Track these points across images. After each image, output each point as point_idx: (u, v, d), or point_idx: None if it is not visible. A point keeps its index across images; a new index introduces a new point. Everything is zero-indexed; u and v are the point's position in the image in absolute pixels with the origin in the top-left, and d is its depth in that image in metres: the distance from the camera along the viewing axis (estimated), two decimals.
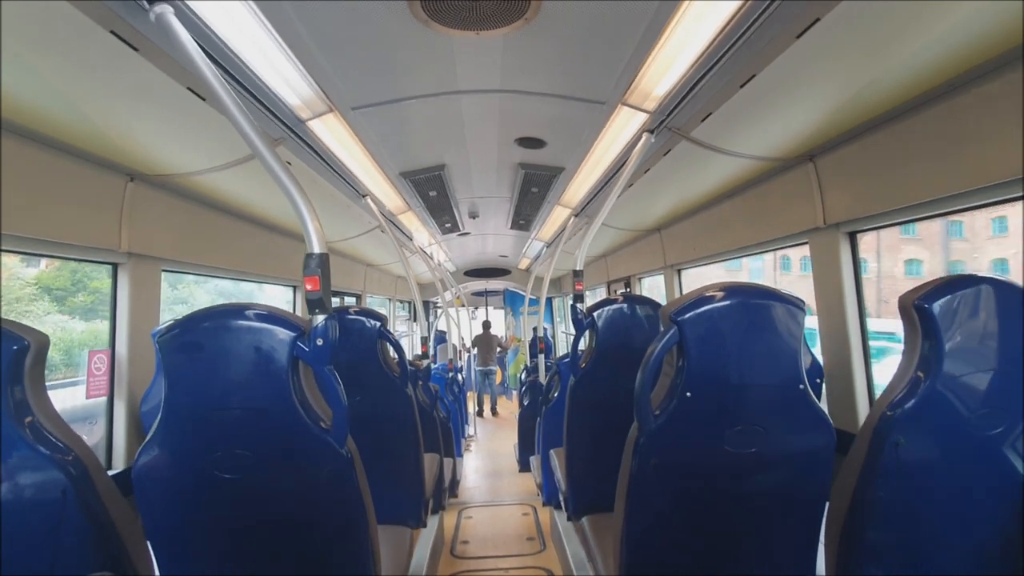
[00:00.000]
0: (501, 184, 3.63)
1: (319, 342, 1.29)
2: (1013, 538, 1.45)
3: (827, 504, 1.54)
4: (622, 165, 2.58)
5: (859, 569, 1.48)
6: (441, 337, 9.08)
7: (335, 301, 4.96)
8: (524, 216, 4.49)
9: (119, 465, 2.05)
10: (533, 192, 3.67)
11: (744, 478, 1.47)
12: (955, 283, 1.40)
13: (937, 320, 1.36)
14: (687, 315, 1.38)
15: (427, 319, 9.23)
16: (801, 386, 1.42)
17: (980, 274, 1.43)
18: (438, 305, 9.29)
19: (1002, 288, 1.40)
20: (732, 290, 1.42)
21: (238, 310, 1.33)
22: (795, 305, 1.42)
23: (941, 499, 1.43)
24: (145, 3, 1.21)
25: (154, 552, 1.41)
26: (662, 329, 1.44)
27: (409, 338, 8.28)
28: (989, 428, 1.39)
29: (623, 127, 2.32)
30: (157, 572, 1.42)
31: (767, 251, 2.88)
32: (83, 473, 1.24)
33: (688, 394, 1.39)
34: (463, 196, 3.92)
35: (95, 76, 1.44)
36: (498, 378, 10.04)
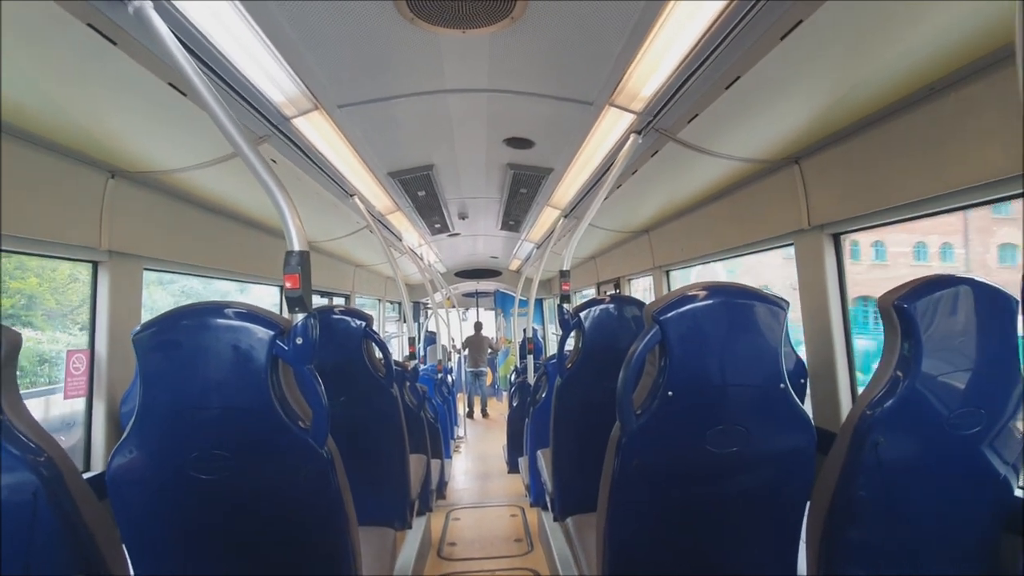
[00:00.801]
0: (490, 184, 3.63)
1: (299, 341, 1.27)
2: (991, 535, 1.47)
3: (808, 503, 1.55)
4: (610, 166, 2.59)
5: (840, 568, 1.49)
6: (431, 338, 9.05)
7: (324, 302, 4.92)
8: (514, 217, 4.49)
9: (99, 467, 2.02)
10: (522, 193, 3.67)
11: (725, 477, 1.47)
12: (934, 284, 1.41)
13: (916, 320, 1.38)
14: (669, 314, 1.38)
15: (416, 320, 9.19)
16: (782, 385, 1.42)
17: (959, 275, 1.45)
18: (429, 306, 9.26)
19: (980, 289, 1.42)
20: (715, 290, 1.42)
21: (217, 308, 1.31)
22: (777, 305, 1.43)
23: (920, 497, 1.44)
24: None
25: (130, 556, 1.38)
26: (645, 328, 1.44)
27: (399, 339, 8.24)
28: (967, 427, 1.40)
29: (611, 128, 2.33)
30: None
31: (754, 252, 2.90)
32: (56, 475, 1.21)
33: (670, 394, 1.39)
34: (452, 196, 3.90)
35: (72, 69, 1.42)
36: (488, 379, 10.02)
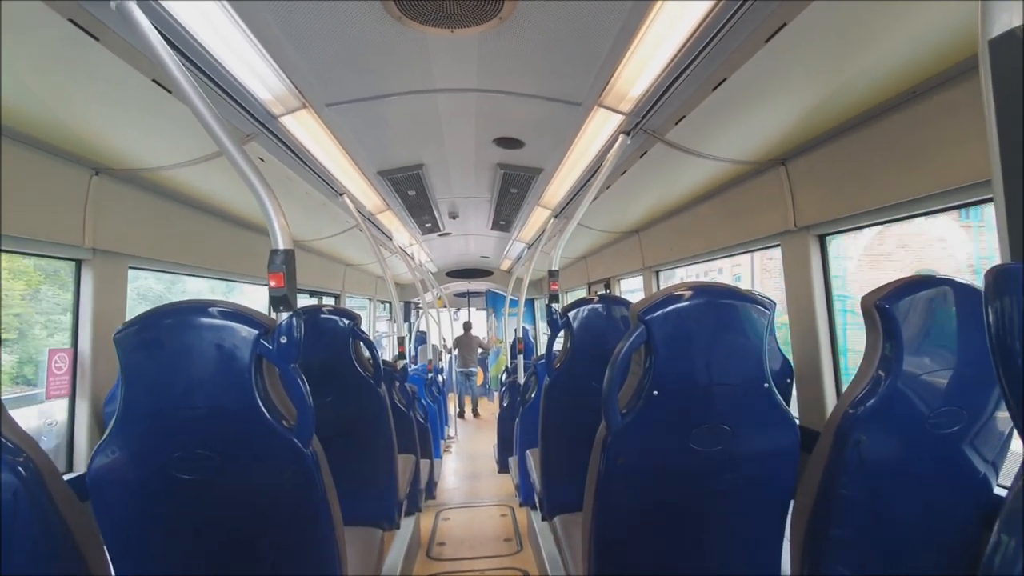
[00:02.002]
0: (480, 184, 3.62)
1: (283, 340, 1.27)
2: (971, 532, 1.49)
3: (792, 502, 1.56)
4: (599, 166, 2.60)
5: (823, 566, 1.50)
6: (422, 338, 9.02)
7: (313, 302, 4.89)
8: (505, 217, 4.49)
9: (82, 469, 1.99)
10: (512, 193, 3.67)
11: (710, 476, 1.48)
12: (915, 284, 1.44)
13: (898, 320, 1.40)
14: (655, 314, 1.39)
15: (406, 320, 9.15)
16: (766, 385, 1.44)
17: (940, 276, 1.48)
18: (420, 306, 9.23)
19: (960, 290, 1.44)
20: (700, 290, 1.43)
21: (200, 307, 1.30)
22: (762, 305, 1.44)
23: (902, 495, 1.46)
24: None
25: (112, 557, 1.36)
26: (631, 328, 1.45)
27: (390, 339, 8.20)
28: (947, 426, 1.42)
29: (600, 128, 2.34)
30: None
31: (741, 253, 2.92)
32: (35, 476, 1.19)
33: (655, 393, 1.39)
34: (442, 196, 3.89)
35: (53, 65, 1.40)
36: (479, 379, 10.00)
